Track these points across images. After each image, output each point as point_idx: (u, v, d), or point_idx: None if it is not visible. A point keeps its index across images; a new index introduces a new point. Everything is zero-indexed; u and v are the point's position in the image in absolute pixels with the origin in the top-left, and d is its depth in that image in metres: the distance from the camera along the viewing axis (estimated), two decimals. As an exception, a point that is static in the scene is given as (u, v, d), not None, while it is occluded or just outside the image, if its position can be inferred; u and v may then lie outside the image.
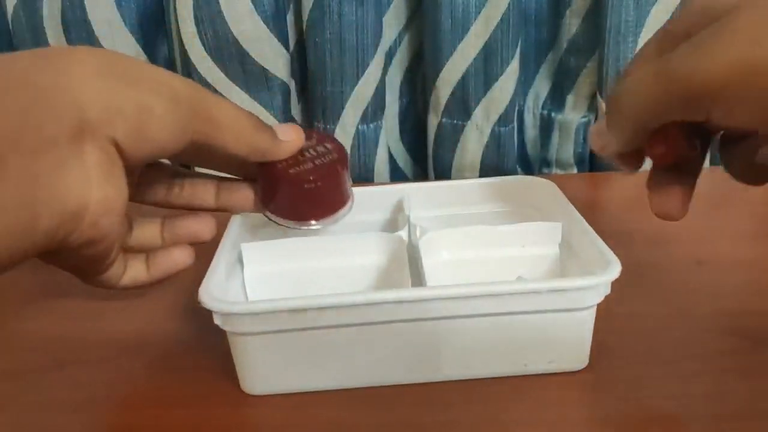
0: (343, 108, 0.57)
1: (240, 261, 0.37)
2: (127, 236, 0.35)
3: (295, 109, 0.62)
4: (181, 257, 0.35)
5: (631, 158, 0.32)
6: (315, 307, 0.30)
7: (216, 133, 0.31)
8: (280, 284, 0.38)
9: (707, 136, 0.30)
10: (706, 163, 0.58)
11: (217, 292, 0.32)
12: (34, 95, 0.26)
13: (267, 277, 0.38)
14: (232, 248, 0.37)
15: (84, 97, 0.27)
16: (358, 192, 0.44)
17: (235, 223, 0.38)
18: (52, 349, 0.37)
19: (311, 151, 0.36)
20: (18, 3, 0.55)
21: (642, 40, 0.55)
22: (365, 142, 0.59)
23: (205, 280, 0.32)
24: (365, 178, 0.61)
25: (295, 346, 0.32)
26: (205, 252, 0.36)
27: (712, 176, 0.52)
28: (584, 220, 0.37)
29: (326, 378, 0.33)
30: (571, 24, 0.59)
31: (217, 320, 0.31)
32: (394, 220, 0.44)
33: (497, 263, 0.38)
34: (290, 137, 0.34)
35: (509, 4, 0.54)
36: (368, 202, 0.43)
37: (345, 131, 0.59)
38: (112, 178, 0.29)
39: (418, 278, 0.34)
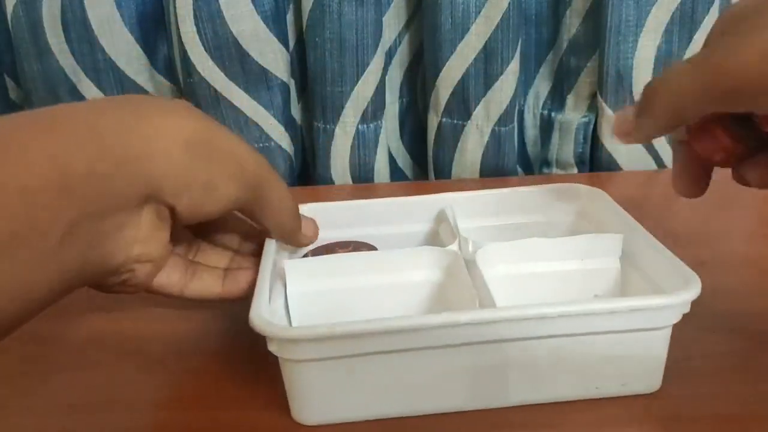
0: (343, 108, 0.57)
1: (282, 278, 0.36)
2: (188, 254, 0.36)
3: (295, 109, 0.62)
4: (211, 285, 0.35)
5: (693, 185, 0.33)
6: (387, 330, 0.28)
7: (262, 208, 0.33)
8: (326, 303, 0.36)
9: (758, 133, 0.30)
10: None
11: (268, 314, 0.30)
12: (122, 166, 0.27)
13: (312, 296, 0.35)
14: (273, 265, 0.35)
15: (164, 171, 0.28)
16: (396, 202, 0.42)
17: (273, 242, 0.36)
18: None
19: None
20: (18, 2, 0.55)
21: (642, 40, 0.55)
22: (365, 141, 0.59)
23: (254, 303, 0.30)
24: (365, 178, 0.61)
25: (356, 371, 0.30)
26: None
27: (713, 177, 0.52)
28: (646, 231, 0.35)
29: (387, 405, 0.31)
30: (572, 24, 0.59)
31: (271, 347, 0.29)
32: (435, 232, 0.42)
33: (557, 278, 0.36)
34: (310, 233, 0.38)
35: (509, 4, 0.54)
36: (406, 212, 0.42)
37: (345, 131, 0.58)
38: (156, 235, 0.30)
39: (481, 293, 0.32)
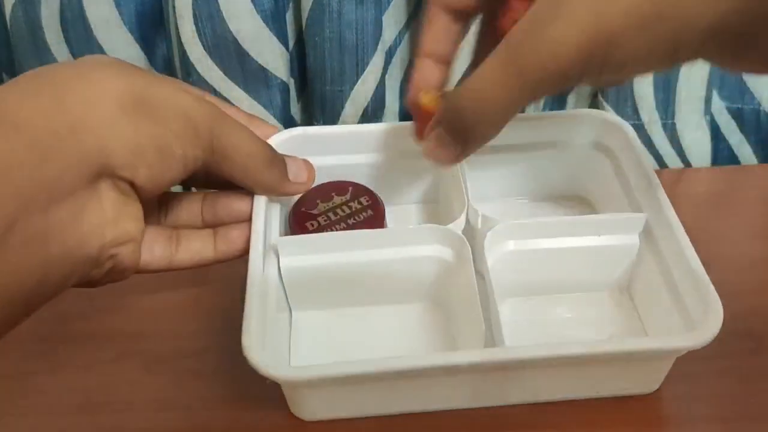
0: (342, 107, 0.57)
1: (275, 253, 0.34)
2: (161, 218, 0.33)
3: (295, 108, 0.61)
4: (201, 248, 0.32)
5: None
6: (383, 371, 0.28)
7: (225, 164, 0.30)
8: (323, 280, 0.34)
9: None
10: (707, 162, 0.58)
11: (261, 336, 0.28)
12: (52, 143, 0.24)
13: (307, 273, 0.34)
14: (264, 241, 0.33)
15: (107, 140, 0.25)
16: (401, 128, 0.39)
17: (260, 216, 0.34)
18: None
19: (344, 208, 0.36)
20: (16, 1, 0.55)
21: (643, 40, 0.55)
22: (365, 141, 0.59)
23: (245, 334, 0.28)
24: (365, 177, 0.60)
25: (354, 392, 0.30)
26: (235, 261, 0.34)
27: (712, 176, 0.52)
28: (669, 204, 0.34)
29: (385, 406, 0.31)
30: (572, 23, 0.58)
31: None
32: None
33: (569, 256, 0.35)
34: (301, 179, 0.34)
35: (510, 3, 0.54)
36: (407, 138, 0.39)
37: (345, 131, 0.58)
38: (126, 211, 0.28)
39: (480, 275, 0.32)
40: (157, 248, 0.31)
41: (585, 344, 0.29)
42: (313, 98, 0.58)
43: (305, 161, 0.35)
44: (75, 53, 0.57)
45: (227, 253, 0.32)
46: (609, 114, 0.41)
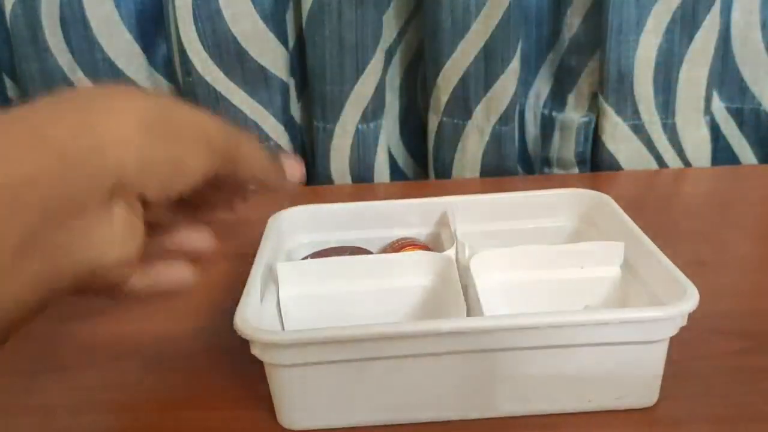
0: (342, 107, 0.57)
1: (274, 281, 0.35)
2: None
3: (295, 108, 0.61)
4: (180, 274, 0.33)
5: None
6: (366, 336, 0.28)
7: (235, 169, 0.32)
8: (318, 307, 0.35)
9: None
10: (708, 162, 0.58)
11: (254, 318, 0.29)
12: (72, 162, 0.25)
13: (304, 300, 0.35)
14: (266, 268, 0.34)
15: (123, 159, 0.27)
16: (397, 204, 0.41)
17: (268, 244, 0.35)
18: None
19: None
20: (16, 1, 0.55)
21: (643, 40, 0.55)
22: (365, 141, 0.59)
23: (240, 306, 0.29)
24: (365, 177, 0.60)
25: (340, 378, 0.30)
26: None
27: (712, 176, 0.52)
28: (647, 238, 0.35)
29: (373, 412, 0.31)
30: (572, 23, 0.58)
31: (254, 350, 0.29)
32: (437, 234, 0.42)
33: (553, 286, 0.35)
34: (296, 177, 0.36)
35: (510, 3, 0.54)
36: (409, 214, 0.41)
37: (345, 130, 0.58)
38: (133, 232, 0.28)
39: (470, 302, 0.32)
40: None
41: (569, 313, 0.29)
42: (313, 98, 0.58)
43: (294, 159, 0.37)
44: (75, 53, 0.57)
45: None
46: (585, 190, 0.42)
